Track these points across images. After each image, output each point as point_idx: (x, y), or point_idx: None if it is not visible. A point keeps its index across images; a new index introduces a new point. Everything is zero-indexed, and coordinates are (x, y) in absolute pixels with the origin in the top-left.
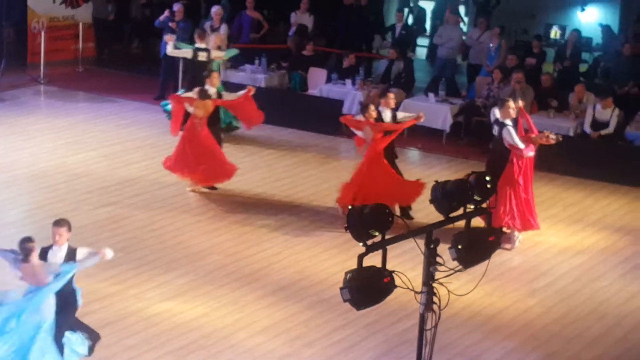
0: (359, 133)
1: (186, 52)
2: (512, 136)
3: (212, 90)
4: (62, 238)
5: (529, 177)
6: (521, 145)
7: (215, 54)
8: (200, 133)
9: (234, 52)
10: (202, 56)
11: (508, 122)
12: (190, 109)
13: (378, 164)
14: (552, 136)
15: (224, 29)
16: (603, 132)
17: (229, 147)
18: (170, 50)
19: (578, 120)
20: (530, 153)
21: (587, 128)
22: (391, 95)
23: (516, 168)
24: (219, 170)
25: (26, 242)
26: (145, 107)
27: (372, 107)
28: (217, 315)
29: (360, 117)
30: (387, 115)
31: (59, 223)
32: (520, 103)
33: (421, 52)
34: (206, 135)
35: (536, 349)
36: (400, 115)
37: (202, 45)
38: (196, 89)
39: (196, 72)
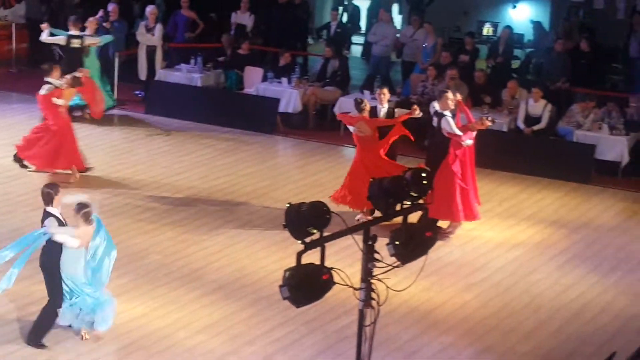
0: (352, 129)
1: (60, 39)
2: (450, 125)
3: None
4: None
5: (469, 168)
6: (459, 133)
7: (89, 40)
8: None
9: (108, 38)
10: (75, 43)
11: (447, 113)
12: (60, 101)
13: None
14: (488, 121)
15: (158, 28)
16: (536, 127)
17: (168, 147)
18: (44, 37)
19: (511, 116)
20: (469, 141)
21: (521, 123)
22: (384, 90)
23: (452, 157)
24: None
25: (87, 206)
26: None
27: (365, 103)
28: (157, 315)
29: (354, 114)
30: (382, 111)
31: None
32: (459, 96)
33: (356, 50)
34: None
35: (473, 343)
36: (397, 112)
37: (76, 33)
38: (68, 76)
39: (71, 59)
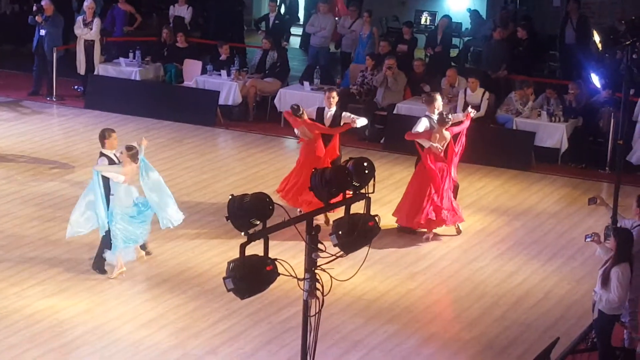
0: (295, 131)
1: None
2: (419, 125)
3: None
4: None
5: (438, 175)
6: (419, 132)
7: None
8: None
9: None
10: None
11: (432, 115)
12: None
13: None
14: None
15: (96, 22)
16: (475, 115)
17: None
18: None
19: (450, 104)
20: (435, 144)
21: (460, 112)
22: (333, 94)
23: (420, 167)
24: None
25: (134, 148)
26: (20, 103)
27: (302, 110)
28: (101, 310)
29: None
30: (329, 114)
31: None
32: (473, 113)
33: (295, 41)
34: None
35: (417, 331)
36: (346, 114)
37: None
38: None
39: None
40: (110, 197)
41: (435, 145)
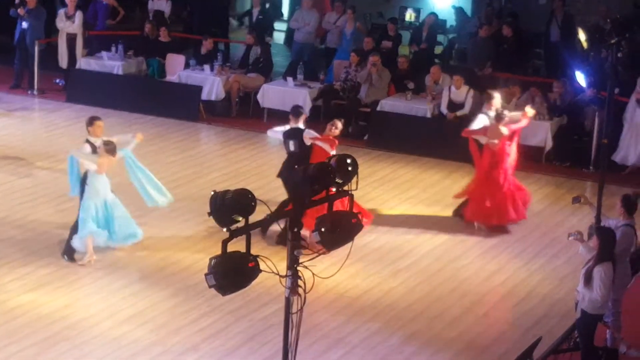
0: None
1: None
2: (476, 122)
3: None
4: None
5: (493, 170)
6: (475, 129)
7: None
8: None
9: None
10: None
11: (490, 112)
12: None
13: None
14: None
15: (78, 16)
16: (459, 112)
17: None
18: None
19: (435, 101)
20: (491, 141)
21: (444, 109)
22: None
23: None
24: None
25: (111, 143)
26: (1, 97)
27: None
28: (81, 305)
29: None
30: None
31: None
32: (531, 113)
33: (279, 37)
34: None
35: (400, 329)
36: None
37: None
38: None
39: None
40: (85, 186)
41: (491, 141)
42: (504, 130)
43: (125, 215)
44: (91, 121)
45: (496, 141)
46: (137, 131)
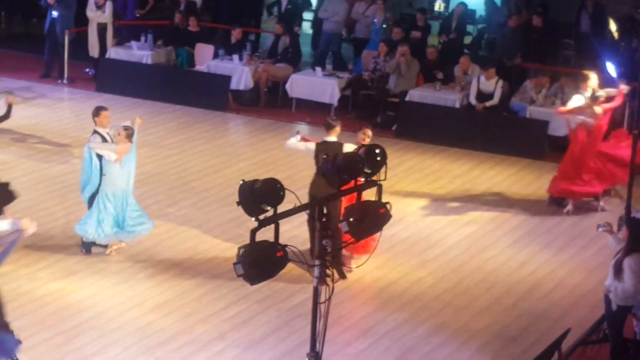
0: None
1: None
2: (572, 101)
3: None
4: None
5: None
6: (569, 109)
7: None
8: None
9: None
10: None
11: (585, 92)
12: None
13: None
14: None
15: (109, 6)
16: (488, 103)
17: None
18: None
19: (464, 92)
20: (588, 119)
21: (473, 100)
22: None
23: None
24: None
25: (130, 128)
26: (31, 86)
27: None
28: (109, 294)
29: None
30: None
31: None
32: (625, 88)
33: (307, 27)
34: None
35: (427, 320)
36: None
37: None
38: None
39: None
40: (102, 177)
41: (587, 119)
42: (598, 109)
43: (136, 208)
44: (97, 111)
45: (592, 120)
46: (138, 116)
